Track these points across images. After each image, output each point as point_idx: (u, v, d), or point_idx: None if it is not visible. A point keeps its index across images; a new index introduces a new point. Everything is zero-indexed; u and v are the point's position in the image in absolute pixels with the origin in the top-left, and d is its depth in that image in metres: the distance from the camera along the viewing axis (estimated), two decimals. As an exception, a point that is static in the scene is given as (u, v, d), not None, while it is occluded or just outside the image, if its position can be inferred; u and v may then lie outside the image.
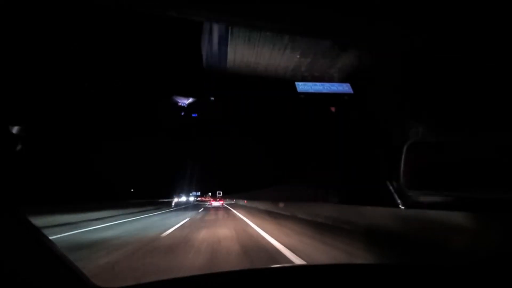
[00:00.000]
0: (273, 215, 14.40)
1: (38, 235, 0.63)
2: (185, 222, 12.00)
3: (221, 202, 41.77)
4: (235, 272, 1.04)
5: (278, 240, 6.28)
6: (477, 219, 3.71)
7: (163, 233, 8.30)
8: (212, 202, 43.79)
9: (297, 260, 4.50)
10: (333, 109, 10.16)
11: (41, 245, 0.64)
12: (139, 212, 20.71)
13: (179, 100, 13.36)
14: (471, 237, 3.77)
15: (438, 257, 3.82)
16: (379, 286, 0.86)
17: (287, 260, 4.57)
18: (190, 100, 13.58)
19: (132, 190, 34.10)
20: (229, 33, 6.48)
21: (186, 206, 38.53)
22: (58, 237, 7.36)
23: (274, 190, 21.33)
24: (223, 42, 6.89)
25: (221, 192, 63.04)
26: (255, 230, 8.41)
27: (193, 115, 14.20)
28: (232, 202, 51.64)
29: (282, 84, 9.31)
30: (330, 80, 8.35)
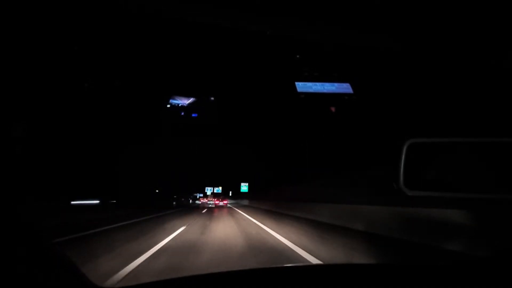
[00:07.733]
0: (271, 213, 14.50)
1: (37, 234, 0.63)
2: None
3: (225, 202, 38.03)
4: (236, 272, 1.03)
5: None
6: (476, 219, 3.71)
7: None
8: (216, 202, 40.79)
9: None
10: (333, 109, 10.15)
11: (40, 244, 0.64)
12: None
13: (179, 100, 13.35)
14: (469, 236, 3.77)
15: (437, 256, 3.82)
16: (388, 286, 0.85)
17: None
18: (190, 100, 13.57)
19: (157, 191, 36.23)
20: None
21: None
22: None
23: (274, 191, 21.42)
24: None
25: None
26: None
27: (193, 115, 14.18)
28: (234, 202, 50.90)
29: (283, 83, 9.30)
30: (330, 80, 8.34)
